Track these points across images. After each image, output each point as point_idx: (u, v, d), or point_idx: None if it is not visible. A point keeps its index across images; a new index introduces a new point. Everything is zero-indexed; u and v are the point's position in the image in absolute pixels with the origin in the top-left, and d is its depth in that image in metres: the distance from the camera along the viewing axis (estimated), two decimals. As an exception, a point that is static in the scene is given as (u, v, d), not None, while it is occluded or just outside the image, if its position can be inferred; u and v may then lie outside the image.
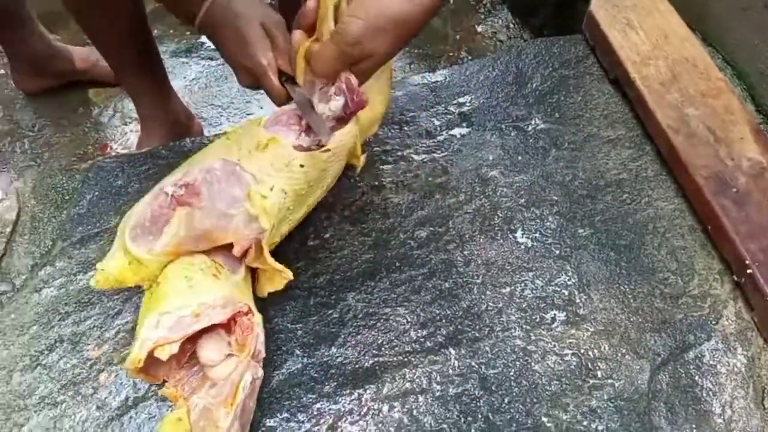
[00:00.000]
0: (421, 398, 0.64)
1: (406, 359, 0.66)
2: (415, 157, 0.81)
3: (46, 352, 0.69)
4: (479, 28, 1.57)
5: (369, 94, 0.63)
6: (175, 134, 1.15)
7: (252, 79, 0.69)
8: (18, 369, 0.68)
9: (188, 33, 1.60)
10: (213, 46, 1.55)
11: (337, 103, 0.62)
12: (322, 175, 0.66)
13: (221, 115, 1.39)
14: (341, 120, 0.65)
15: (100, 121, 1.41)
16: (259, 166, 0.62)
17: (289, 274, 0.65)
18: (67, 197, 0.82)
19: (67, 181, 0.84)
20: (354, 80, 0.59)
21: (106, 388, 0.66)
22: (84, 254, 0.75)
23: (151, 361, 0.61)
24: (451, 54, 1.49)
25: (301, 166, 0.63)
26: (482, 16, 1.60)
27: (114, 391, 0.66)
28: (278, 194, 0.62)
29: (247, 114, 1.38)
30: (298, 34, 0.62)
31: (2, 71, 1.54)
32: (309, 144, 0.64)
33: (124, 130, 1.39)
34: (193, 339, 0.64)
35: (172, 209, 0.61)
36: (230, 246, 0.70)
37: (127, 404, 0.65)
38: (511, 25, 1.55)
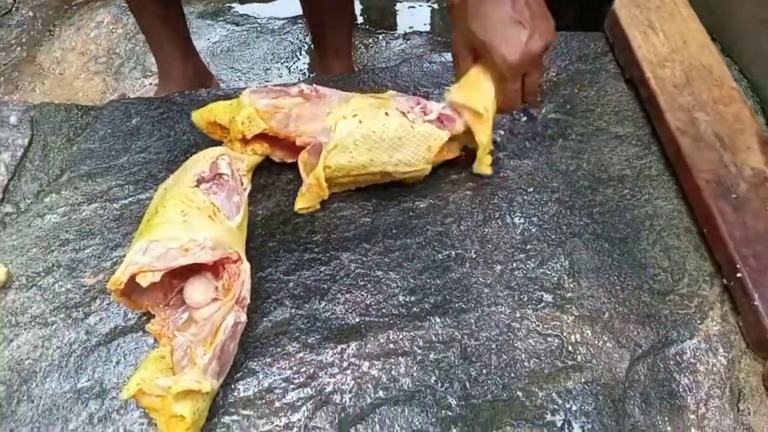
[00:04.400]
0: (401, 360, 0.65)
1: (391, 321, 0.67)
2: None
3: (42, 274, 0.70)
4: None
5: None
6: (191, 86, 1.17)
7: None
8: (14, 287, 0.69)
9: (216, -3, 1.61)
10: (239, 12, 1.58)
11: None
12: (397, 143, 0.71)
13: (240, 79, 1.40)
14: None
15: (121, 71, 1.43)
16: (361, 102, 0.73)
17: (325, 194, 0.73)
18: (80, 132, 0.83)
19: (82, 116, 0.85)
20: None
21: (97, 314, 0.67)
22: (90, 186, 0.77)
23: (135, 286, 0.63)
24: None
25: (386, 114, 0.72)
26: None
27: (105, 318, 0.67)
28: (353, 122, 0.71)
29: (266, 80, 1.39)
30: None
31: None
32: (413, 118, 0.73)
33: (144, 83, 1.40)
34: (182, 276, 0.66)
35: (294, 96, 0.74)
36: (233, 191, 0.71)
37: (115, 332, 0.67)
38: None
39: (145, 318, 0.68)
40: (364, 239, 0.73)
